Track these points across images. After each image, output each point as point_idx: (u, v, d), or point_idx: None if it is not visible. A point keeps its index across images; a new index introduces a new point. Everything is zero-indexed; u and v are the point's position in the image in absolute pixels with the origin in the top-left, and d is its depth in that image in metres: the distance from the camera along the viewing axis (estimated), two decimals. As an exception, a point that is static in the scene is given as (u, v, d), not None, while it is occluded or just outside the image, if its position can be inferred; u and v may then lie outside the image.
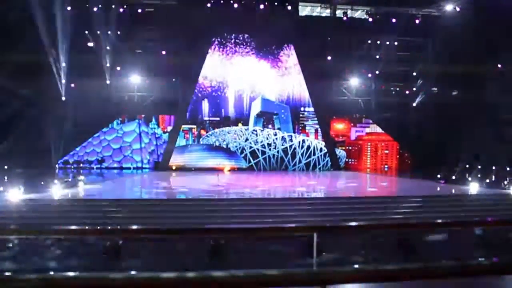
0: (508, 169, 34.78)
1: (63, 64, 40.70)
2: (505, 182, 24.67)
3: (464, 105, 39.26)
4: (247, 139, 45.77)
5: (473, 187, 25.50)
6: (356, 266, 2.63)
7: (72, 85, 41.94)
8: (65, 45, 39.93)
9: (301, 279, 2.43)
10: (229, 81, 46.87)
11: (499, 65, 41.15)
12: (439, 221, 17.45)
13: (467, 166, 31.34)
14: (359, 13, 46.33)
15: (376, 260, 11.96)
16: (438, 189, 25.81)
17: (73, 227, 13.09)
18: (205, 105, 47.48)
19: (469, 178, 27.38)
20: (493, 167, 30.12)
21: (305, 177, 38.06)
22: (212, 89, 46.86)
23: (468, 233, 13.76)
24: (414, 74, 45.64)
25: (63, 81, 41.35)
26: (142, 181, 34.35)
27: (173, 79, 44.34)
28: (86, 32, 41.63)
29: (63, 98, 41.68)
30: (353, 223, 15.91)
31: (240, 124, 46.42)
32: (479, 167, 29.97)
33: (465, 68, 37.36)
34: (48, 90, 40.02)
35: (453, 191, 24.43)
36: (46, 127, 37.56)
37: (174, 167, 43.31)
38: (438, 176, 30.17)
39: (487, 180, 26.76)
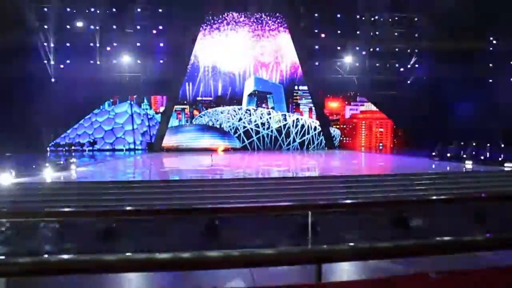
0: (502, 145, 35.06)
1: (52, 45, 40.26)
2: (500, 159, 24.86)
3: (460, 82, 39.26)
4: (240, 119, 45.72)
5: (468, 164, 25.76)
6: (351, 244, 2.66)
7: (61, 66, 41.57)
8: (53, 25, 39.44)
9: (296, 257, 2.45)
10: (221, 60, 46.59)
11: (495, 41, 41.14)
12: (434, 197, 17.62)
13: (462, 143, 31.50)
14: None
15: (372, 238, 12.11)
16: (433, 166, 25.97)
17: (66, 209, 13.10)
18: (198, 85, 47.22)
19: (464, 156, 27.57)
20: (488, 144, 30.28)
21: (299, 156, 38.15)
22: (205, 69, 46.56)
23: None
24: (409, 51, 45.53)
25: (52, 62, 40.96)
26: (135, 162, 34.29)
27: (165, 59, 43.98)
28: (75, 11, 41.09)
29: (53, 80, 41.34)
30: (348, 201, 16.04)
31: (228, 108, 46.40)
32: (474, 144, 30.12)
33: (461, 43, 37.28)
34: (37, 72, 39.64)
35: (448, 168, 24.63)
36: (35, 110, 37.28)
37: (167, 148, 43.31)
38: (433, 153, 30.36)
39: (482, 157, 26.95)
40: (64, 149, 42.12)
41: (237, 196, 17.61)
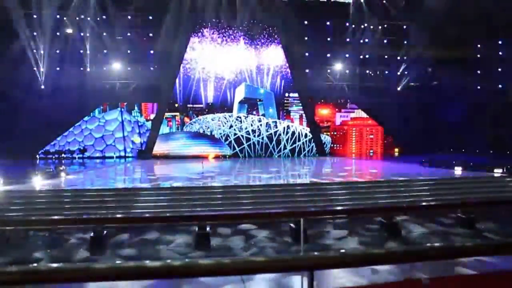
0: (491, 151, 35.34)
1: (42, 52, 40.09)
2: (489, 166, 25.04)
3: (449, 88, 39.62)
4: (231, 126, 45.72)
5: (457, 170, 25.93)
6: (343, 250, 2.65)
7: (51, 72, 41.37)
8: (43, 32, 39.29)
9: (288, 265, 2.44)
10: (212, 68, 46.67)
11: (482, 49, 41.59)
12: (425, 203, 17.73)
13: (451, 150, 31.72)
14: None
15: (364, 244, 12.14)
16: (423, 172, 26.10)
17: (56, 217, 13.00)
18: (189, 92, 47.22)
19: (454, 162, 27.73)
20: (477, 151, 30.52)
21: (290, 163, 38.17)
22: (195, 76, 46.61)
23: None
24: (399, 58, 45.89)
25: (42, 69, 40.76)
26: (126, 170, 34.10)
27: (155, 66, 43.95)
28: (65, 18, 40.97)
29: (42, 87, 41.12)
30: (340, 208, 16.07)
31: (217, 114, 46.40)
32: (463, 150, 30.34)
33: (450, 51, 37.65)
34: (26, 79, 39.44)
35: (440, 174, 24.74)
36: (25, 117, 37.03)
37: (158, 156, 43.14)
38: (423, 160, 30.53)
39: (471, 164, 27.13)
40: (53, 157, 41.84)
41: (229, 204, 17.58)
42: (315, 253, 2.48)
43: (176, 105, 46.55)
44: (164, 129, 45.96)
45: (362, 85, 46.23)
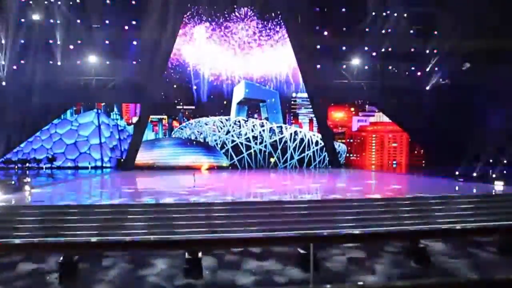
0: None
1: (3, 42, 40.15)
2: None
3: (489, 88, 39.37)
4: (228, 132, 45.72)
5: (498, 186, 25.71)
6: (361, 283, 2.63)
7: (14, 67, 41.39)
8: (4, 18, 39.36)
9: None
10: (206, 63, 46.68)
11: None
12: (458, 227, 17.65)
13: (491, 161, 31.62)
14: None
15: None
16: (457, 188, 26.02)
17: (18, 241, 12.98)
18: (178, 91, 47.22)
19: (493, 175, 27.62)
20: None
21: (298, 176, 38.11)
22: (186, 72, 46.63)
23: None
24: (427, 51, 45.77)
25: (3, 62, 40.80)
26: (102, 183, 34.05)
27: (139, 60, 43.93)
28: (31, 2, 41.05)
29: (3, 83, 41.16)
30: (356, 232, 16.03)
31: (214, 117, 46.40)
32: (505, 161, 30.26)
33: (490, 42, 37.45)
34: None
35: (475, 190, 24.62)
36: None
37: (141, 166, 43.09)
38: (457, 173, 30.44)
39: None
40: (16, 167, 41.83)
41: (225, 224, 17.53)
42: (328, 286, 2.46)
43: (163, 110, 46.50)
44: (148, 134, 45.98)
45: (384, 84, 46.11)
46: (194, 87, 46.71)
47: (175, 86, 46.57)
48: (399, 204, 20.37)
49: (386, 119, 48.39)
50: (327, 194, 24.00)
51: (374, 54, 46.42)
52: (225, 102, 47.19)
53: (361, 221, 18.31)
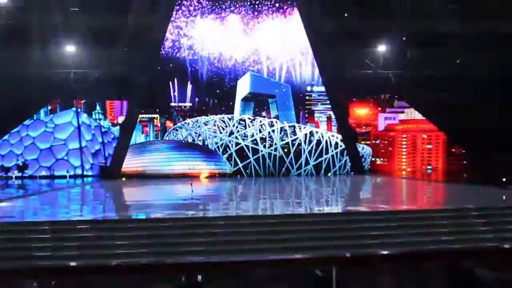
0: None
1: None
2: None
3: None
4: (231, 133, 45.59)
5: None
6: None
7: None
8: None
9: None
10: (205, 51, 46.66)
11: None
12: (507, 246, 17.39)
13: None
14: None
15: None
16: (504, 198, 25.76)
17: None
18: (173, 86, 47.23)
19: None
20: None
21: (314, 185, 37.93)
22: (182, 63, 46.60)
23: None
24: (470, 34, 45.33)
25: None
26: (83, 195, 34.00)
27: (126, 49, 43.79)
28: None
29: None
30: (385, 252, 15.83)
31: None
32: None
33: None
34: None
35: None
36: None
37: (129, 174, 43.04)
38: (504, 179, 30.21)
39: None
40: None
41: (228, 241, 17.36)
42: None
43: (152, 107, 46.48)
44: (138, 137, 46.00)
45: (416, 75, 45.75)
46: (189, 86, 46.68)
47: (169, 79, 46.53)
48: (436, 218, 20.15)
49: (418, 116, 48.09)
50: (350, 205, 23.84)
51: (404, 38, 46.07)
52: (227, 98, 47.13)
53: (391, 237, 18.12)
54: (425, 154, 46.50)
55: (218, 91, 46.52)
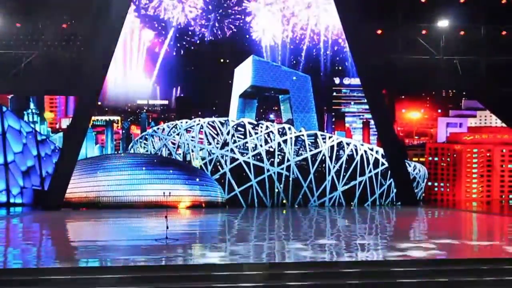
0: None
1: None
2: None
3: None
4: (225, 144, 45.32)
5: None
6: None
7: None
8: None
9: None
10: (186, 28, 46.71)
11: None
12: None
13: None
14: None
15: None
16: None
17: None
18: (140, 78, 47.25)
19: None
20: None
21: (345, 221, 37.70)
22: (152, 46, 46.67)
23: None
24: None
25: None
26: (8, 233, 33.84)
27: (72, 21, 43.73)
28: None
29: None
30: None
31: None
32: None
33: None
34: None
35: None
36: None
37: (74, 203, 42.90)
38: None
39: None
40: None
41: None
42: None
43: (110, 106, 46.42)
44: (90, 148, 45.82)
45: (493, 63, 45.57)
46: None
47: (135, 69, 46.53)
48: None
49: (496, 121, 47.97)
50: (394, 250, 23.64)
51: (471, 12, 45.89)
52: (220, 93, 47.03)
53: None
54: (506, 177, 46.00)
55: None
